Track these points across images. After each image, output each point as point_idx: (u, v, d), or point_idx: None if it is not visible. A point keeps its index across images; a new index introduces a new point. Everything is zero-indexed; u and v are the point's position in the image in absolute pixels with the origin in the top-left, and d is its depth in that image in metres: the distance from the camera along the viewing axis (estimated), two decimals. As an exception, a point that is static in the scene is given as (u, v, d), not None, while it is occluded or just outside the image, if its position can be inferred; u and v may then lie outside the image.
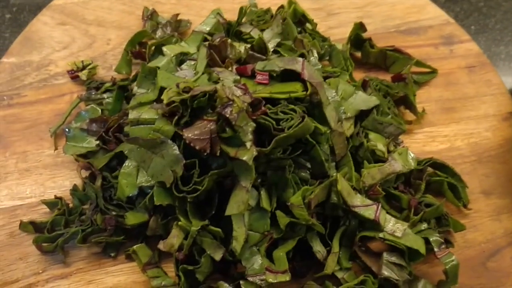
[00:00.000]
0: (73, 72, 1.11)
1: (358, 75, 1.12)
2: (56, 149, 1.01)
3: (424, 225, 0.91)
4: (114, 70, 1.11)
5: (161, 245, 0.84)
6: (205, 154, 0.80)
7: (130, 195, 0.88)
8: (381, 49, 1.14)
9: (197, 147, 0.79)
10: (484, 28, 1.42)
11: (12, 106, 1.08)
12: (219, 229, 0.84)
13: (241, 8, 1.14)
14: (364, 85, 1.05)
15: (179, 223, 0.83)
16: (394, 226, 0.87)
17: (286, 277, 0.83)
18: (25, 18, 1.35)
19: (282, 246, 0.87)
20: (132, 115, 0.90)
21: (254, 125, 0.80)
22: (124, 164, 0.89)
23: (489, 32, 1.42)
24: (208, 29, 1.10)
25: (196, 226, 0.82)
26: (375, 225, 0.87)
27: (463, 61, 1.20)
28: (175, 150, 0.83)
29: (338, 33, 1.21)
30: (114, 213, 0.89)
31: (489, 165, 1.05)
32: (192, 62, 1.00)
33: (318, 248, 0.88)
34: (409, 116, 1.09)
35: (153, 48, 1.09)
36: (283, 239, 0.88)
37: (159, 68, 0.97)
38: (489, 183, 1.03)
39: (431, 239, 0.89)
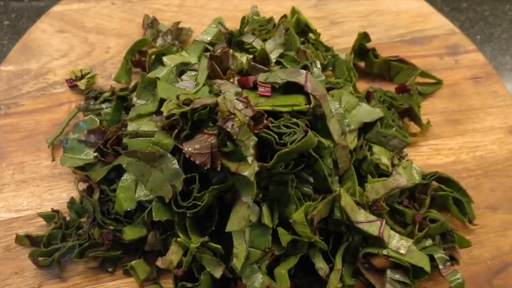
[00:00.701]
0: (71, 81, 1.09)
1: (362, 86, 1.11)
2: (53, 160, 0.99)
3: (429, 242, 0.89)
4: (113, 79, 1.09)
5: (160, 262, 0.82)
6: (206, 168, 0.78)
7: (128, 209, 0.86)
8: (385, 59, 1.12)
9: (197, 162, 0.77)
10: (490, 37, 1.41)
11: (9, 115, 1.06)
12: (219, 246, 0.82)
13: (243, 18, 1.12)
14: (368, 97, 1.03)
15: (178, 239, 0.81)
16: (398, 243, 0.85)
17: None
18: (23, 25, 1.34)
19: (283, 263, 0.85)
20: (131, 127, 0.88)
21: (256, 139, 0.78)
22: (122, 178, 0.87)
23: (495, 42, 1.40)
24: (209, 38, 1.08)
25: (196, 242, 0.80)
26: (379, 241, 0.85)
27: (469, 72, 1.18)
28: (175, 164, 0.81)
29: (341, 42, 1.19)
30: (111, 227, 0.87)
31: (495, 179, 1.03)
32: (193, 73, 0.97)
33: (320, 265, 0.86)
34: (414, 128, 1.07)
35: (153, 57, 1.08)
36: (285, 255, 0.85)
37: (159, 79, 0.95)
38: (495, 197, 1.01)
39: (436, 256, 0.87)
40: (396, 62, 1.13)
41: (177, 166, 0.81)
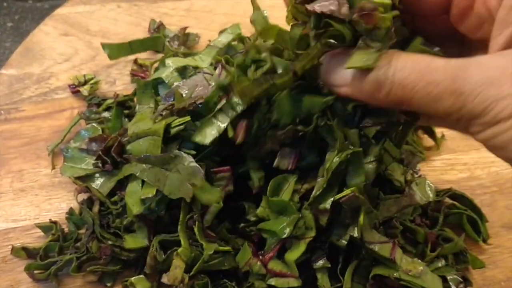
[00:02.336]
0: (74, 86, 1.06)
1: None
2: (53, 168, 0.96)
3: (441, 262, 0.86)
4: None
5: (165, 279, 0.78)
6: None
7: (138, 214, 0.82)
8: None
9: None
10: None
11: (9, 121, 1.03)
12: (229, 248, 0.80)
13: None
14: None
15: (179, 250, 0.78)
16: (410, 265, 0.81)
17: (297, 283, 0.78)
18: (27, 27, 1.31)
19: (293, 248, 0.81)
20: (131, 130, 0.84)
21: None
22: (129, 185, 0.84)
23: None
24: (225, 43, 1.04)
25: (210, 249, 0.78)
26: (390, 262, 0.81)
27: (485, 84, 1.14)
28: (192, 162, 0.77)
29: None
30: (110, 242, 0.84)
31: (510, 197, 0.99)
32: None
33: (324, 282, 0.82)
34: (427, 141, 1.04)
35: (155, 64, 1.05)
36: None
37: (161, 79, 0.93)
38: (510, 216, 0.97)
39: (448, 278, 0.84)
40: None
41: (195, 164, 0.77)
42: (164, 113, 0.81)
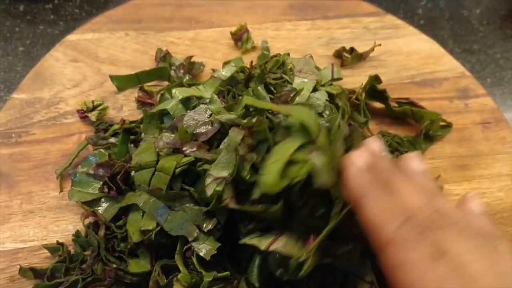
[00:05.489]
0: (82, 112, 1.10)
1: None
2: (61, 191, 1.00)
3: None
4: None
5: None
6: None
7: (137, 242, 0.86)
8: (405, 108, 1.13)
9: None
10: (501, 80, 1.41)
11: (19, 144, 1.07)
12: (227, 273, 0.82)
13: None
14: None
15: (179, 276, 0.81)
16: None
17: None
18: (38, 52, 1.35)
19: None
20: (135, 160, 0.88)
21: None
22: (130, 213, 0.88)
23: (505, 85, 1.40)
24: (227, 76, 1.08)
25: (208, 277, 0.81)
26: None
27: (478, 117, 1.18)
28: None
29: (351, 82, 1.20)
30: (115, 265, 0.87)
31: (500, 228, 1.02)
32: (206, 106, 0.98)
33: None
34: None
35: (161, 93, 1.09)
36: None
37: (166, 110, 0.97)
38: (500, 246, 1.00)
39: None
40: (417, 108, 1.13)
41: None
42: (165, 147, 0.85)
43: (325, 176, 0.71)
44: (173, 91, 1.02)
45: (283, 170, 0.71)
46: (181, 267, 0.83)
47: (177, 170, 0.84)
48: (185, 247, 0.84)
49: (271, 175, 0.71)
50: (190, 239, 0.81)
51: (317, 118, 0.76)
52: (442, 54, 1.29)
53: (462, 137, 1.14)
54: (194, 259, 0.82)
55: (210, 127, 0.88)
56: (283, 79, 1.05)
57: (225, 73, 1.08)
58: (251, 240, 0.78)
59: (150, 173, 0.85)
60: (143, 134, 0.97)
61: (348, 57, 1.23)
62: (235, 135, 0.81)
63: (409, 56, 1.28)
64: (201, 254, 0.81)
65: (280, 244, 0.75)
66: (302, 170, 0.72)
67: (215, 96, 0.98)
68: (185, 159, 0.84)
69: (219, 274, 0.82)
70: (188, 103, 1.01)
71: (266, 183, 0.71)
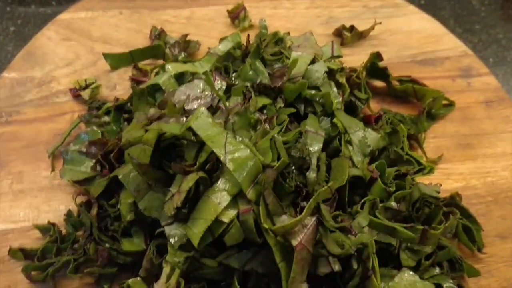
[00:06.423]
0: (75, 90, 1.07)
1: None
2: (53, 170, 0.97)
3: (436, 270, 0.86)
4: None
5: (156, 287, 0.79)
6: None
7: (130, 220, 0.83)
8: (407, 85, 1.10)
9: None
10: (503, 60, 1.38)
11: (10, 123, 1.04)
12: (211, 261, 0.79)
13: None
14: (377, 120, 1.01)
15: (167, 257, 0.78)
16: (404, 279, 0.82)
17: None
18: (29, 32, 1.32)
19: None
20: (125, 137, 0.85)
21: None
22: (122, 191, 0.85)
23: (507, 65, 1.37)
24: (224, 51, 1.05)
25: (179, 257, 0.78)
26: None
27: (481, 96, 1.15)
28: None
29: (351, 60, 1.16)
30: (107, 245, 0.84)
31: (506, 207, 1.00)
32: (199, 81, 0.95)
33: None
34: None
35: (156, 70, 1.06)
36: None
37: (158, 85, 0.93)
38: (505, 226, 0.98)
39: (444, 286, 0.84)
40: (419, 86, 1.10)
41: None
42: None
43: (253, 234, 0.75)
44: (167, 66, 0.98)
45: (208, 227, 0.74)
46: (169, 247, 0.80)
47: (163, 144, 0.81)
48: (157, 230, 0.81)
49: (195, 234, 0.74)
50: (162, 223, 0.78)
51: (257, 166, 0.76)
52: (443, 33, 1.26)
53: (465, 116, 1.12)
54: None
55: (202, 101, 0.85)
56: (281, 55, 1.01)
57: (222, 48, 1.05)
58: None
59: (139, 149, 0.81)
60: (135, 113, 0.94)
61: (348, 35, 1.20)
62: None
63: (410, 35, 1.25)
64: (172, 240, 0.78)
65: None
66: (228, 228, 0.75)
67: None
68: (168, 134, 0.81)
69: (203, 260, 0.80)
70: (182, 78, 0.98)
71: (191, 238, 0.75)
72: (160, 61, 1.13)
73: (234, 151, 0.75)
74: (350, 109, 1.03)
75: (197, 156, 0.78)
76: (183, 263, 0.77)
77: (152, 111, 0.85)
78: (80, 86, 1.07)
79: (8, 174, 0.97)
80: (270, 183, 0.75)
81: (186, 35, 1.16)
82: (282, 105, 0.92)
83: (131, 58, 1.12)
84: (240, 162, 0.74)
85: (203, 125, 0.77)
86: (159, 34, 1.16)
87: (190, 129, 0.77)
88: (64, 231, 0.90)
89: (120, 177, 0.82)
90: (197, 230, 0.74)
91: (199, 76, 0.95)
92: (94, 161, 0.91)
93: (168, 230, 0.78)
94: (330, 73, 1.01)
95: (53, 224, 0.90)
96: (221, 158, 0.74)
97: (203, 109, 0.78)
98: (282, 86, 0.92)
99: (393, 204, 0.87)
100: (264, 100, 0.90)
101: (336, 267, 0.77)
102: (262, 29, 1.19)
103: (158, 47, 1.12)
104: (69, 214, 0.91)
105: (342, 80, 1.01)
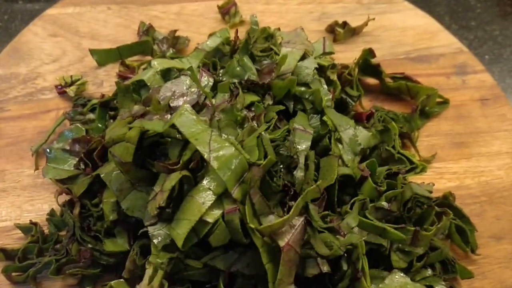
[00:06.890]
0: (61, 87, 1.04)
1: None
2: (36, 169, 0.95)
3: (428, 272, 0.84)
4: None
5: None
6: None
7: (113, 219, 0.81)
8: (400, 82, 1.08)
9: None
10: (499, 58, 1.36)
11: (-7, 120, 1.01)
12: (195, 262, 0.77)
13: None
14: (368, 117, 0.99)
15: (150, 258, 0.76)
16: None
17: None
18: (16, 28, 1.30)
19: None
20: (108, 134, 0.82)
21: None
22: (104, 191, 0.83)
23: (504, 63, 1.35)
24: (212, 47, 1.03)
25: (162, 258, 0.75)
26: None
27: (476, 93, 1.13)
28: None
29: (344, 57, 1.14)
30: (90, 245, 0.82)
31: (500, 207, 0.98)
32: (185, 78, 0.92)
33: None
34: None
35: (143, 67, 1.03)
36: None
37: (143, 81, 0.91)
38: (500, 226, 0.96)
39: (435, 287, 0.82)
40: (413, 83, 1.08)
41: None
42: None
43: (239, 234, 0.73)
44: (153, 62, 0.96)
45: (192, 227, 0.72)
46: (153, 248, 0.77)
47: (146, 141, 0.79)
48: (140, 230, 0.79)
49: (179, 235, 0.72)
50: (146, 223, 0.76)
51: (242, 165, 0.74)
52: (438, 29, 1.24)
53: (460, 114, 1.09)
54: None
55: (188, 98, 0.82)
56: (270, 51, 0.99)
57: (210, 44, 1.02)
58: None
59: (122, 147, 0.79)
60: (121, 110, 0.92)
61: (340, 31, 1.18)
62: None
63: (404, 32, 1.23)
64: (155, 241, 0.75)
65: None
66: (213, 229, 0.73)
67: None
68: (151, 131, 0.78)
69: (188, 260, 0.77)
70: (168, 75, 0.96)
71: (175, 239, 0.73)
72: (149, 58, 1.10)
73: (219, 149, 0.73)
74: (341, 106, 1.01)
75: (181, 154, 0.76)
76: (167, 264, 0.75)
77: (136, 108, 0.82)
78: (66, 82, 1.04)
79: (-9, 173, 0.95)
80: (257, 181, 0.73)
81: (175, 31, 1.14)
82: (271, 102, 0.90)
83: (119, 54, 1.10)
84: (224, 160, 0.72)
85: (187, 122, 0.74)
86: (147, 30, 1.14)
87: (173, 126, 0.75)
88: (47, 231, 0.88)
89: (102, 175, 0.80)
90: (181, 231, 0.72)
91: (186, 72, 0.93)
92: (77, 159, 0.89)
93: (151, 230, 0.76)
94: (321, 70, 0.99)
95: (35, 224, 0.87)
96: (205, 156, 0.72)
97: (187, 106, 0.76)
98: (271, 82, 0.90)
99: (384, 204, 0.85)
100: (252, 97, 0.88)
101: (325, 268, 0.75)
102: (253, 25, 1.17)
103: (146, 43, 1.10)
104: (51, 213, 0.88)
105: (333, 77, 0.99)
